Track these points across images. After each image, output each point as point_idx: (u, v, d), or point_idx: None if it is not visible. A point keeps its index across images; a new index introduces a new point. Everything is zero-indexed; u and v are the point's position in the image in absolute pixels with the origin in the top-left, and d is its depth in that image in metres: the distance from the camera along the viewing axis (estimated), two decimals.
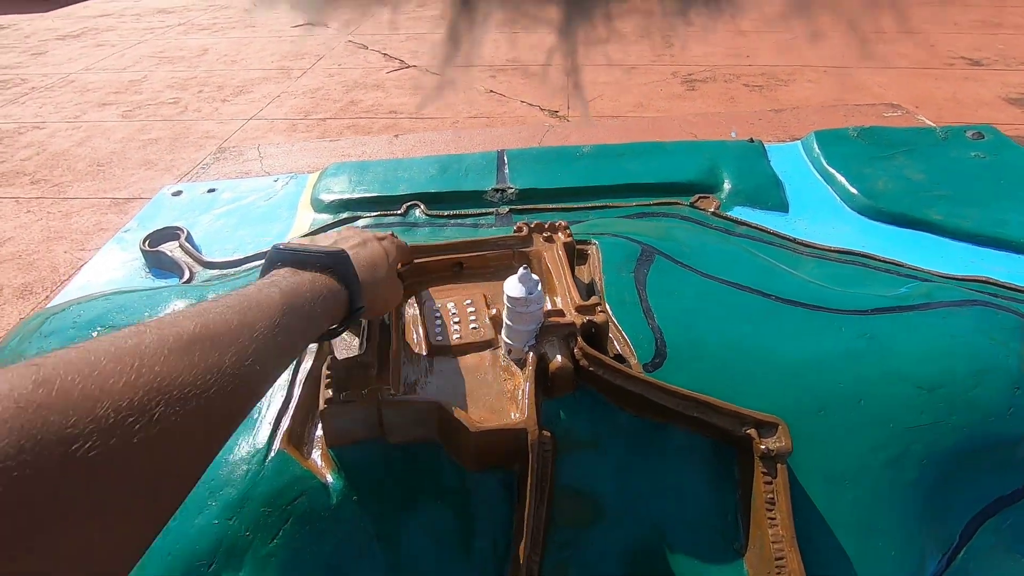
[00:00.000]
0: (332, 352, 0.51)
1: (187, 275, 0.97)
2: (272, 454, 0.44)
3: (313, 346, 0.52)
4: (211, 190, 1.28)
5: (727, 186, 1.15)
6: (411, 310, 0.56)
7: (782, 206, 1.13)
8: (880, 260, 0.94)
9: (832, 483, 0.49)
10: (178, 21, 6.18)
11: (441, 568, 0.42)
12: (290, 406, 0.48)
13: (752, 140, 1.30)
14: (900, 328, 0.58)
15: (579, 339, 0.48)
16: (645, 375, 0.48)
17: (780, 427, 0.45)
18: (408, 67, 4.56)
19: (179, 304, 0.57)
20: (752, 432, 0.45)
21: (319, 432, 0.46)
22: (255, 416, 0.46)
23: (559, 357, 0.46)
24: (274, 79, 4.43)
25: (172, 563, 0.40)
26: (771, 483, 0.43)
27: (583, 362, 0.47)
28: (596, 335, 0.49)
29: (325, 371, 0.45)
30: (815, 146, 1.25)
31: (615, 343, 0.54)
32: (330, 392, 0.44)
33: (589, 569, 0.45)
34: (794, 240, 1.00)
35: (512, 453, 0.43)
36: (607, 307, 0.56)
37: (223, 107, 3.96)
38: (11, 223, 2.78)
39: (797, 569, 0.41)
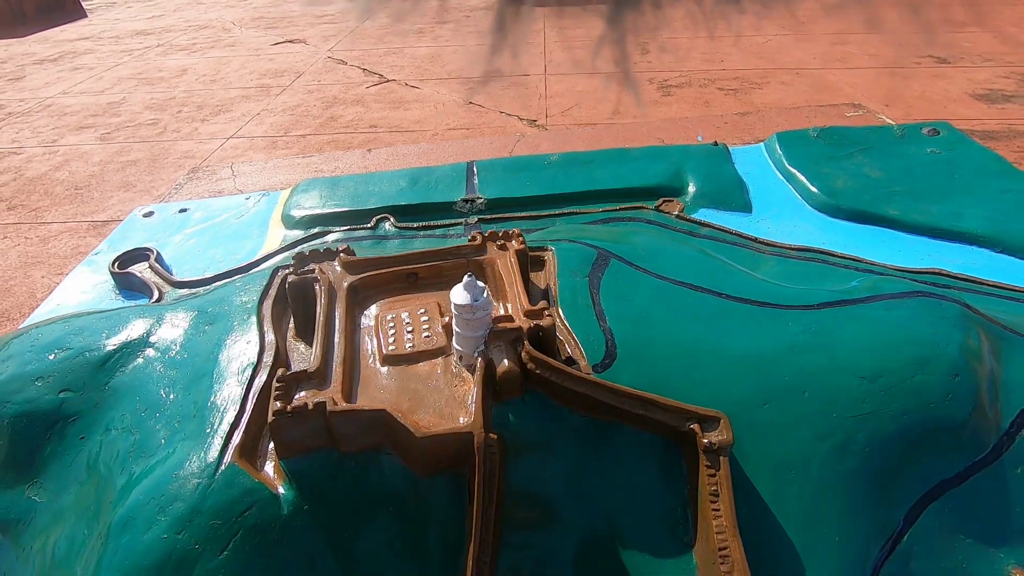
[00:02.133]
0: (288, 363, 0.52)
1: (156, 295, 0.98)
2: (223, 468, 0.45)
3: (267, 359, 0.52)
4: (183, 210, 1.29)
5: (692, 189, 1.17)
6: (366, 321, 0.57)
7: (745, 207, 1.15)
8: (838, 256, 0.96)
9: (778, 473, 0.50)
10: (157, 42, 6.18)
11: (394, 575, 0.43)
12: (242, 420, 0.48)
13: (716, 144, 1.33)
14: (844, 320, 0.60)
15: (526, 343, 0.49)
16: (592, 376, 0.49)
17: (722, 421, 0.46)
18: (388, 81, 4.57)
19: (138, 325, 0.58)
20: (695, 427, 0.46)
21: (272, 444, 0.47)
22: (206, 431, 0.46)
23: (506, 361, 0.47)
24: (254, 97, 4.43)
25: (134, 566, 0.40)
26: (714, 475, 0.45)
27: (530, 365, 0.48)
28: (544, 339, 0.51)
29: (274, 384, 0.46)
30: (777, 147, 1.28)
31: (567, 346, 0.55)
32: (278, 404, 0.45)
33: (544, 569, 0.45)
34: (755, 240, 1.02)
35: (460, 456, 0.44)
36: (559, 311, 0.58)
37: (202, 127, 3.96)
38: None
39: (740, 558, 0.42)
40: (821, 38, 5.02)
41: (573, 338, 0.57)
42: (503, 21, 6.31)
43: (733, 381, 0.54)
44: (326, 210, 1.20)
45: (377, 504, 0.46)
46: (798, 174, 1.21)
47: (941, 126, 1.33)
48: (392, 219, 1.15)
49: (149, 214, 1.29)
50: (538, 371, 0.49)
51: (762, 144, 1.37)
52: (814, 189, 1.17)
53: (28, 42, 6.57)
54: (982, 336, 0.62)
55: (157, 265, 1.07)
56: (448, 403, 0.49)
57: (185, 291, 1.01)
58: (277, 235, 1.18)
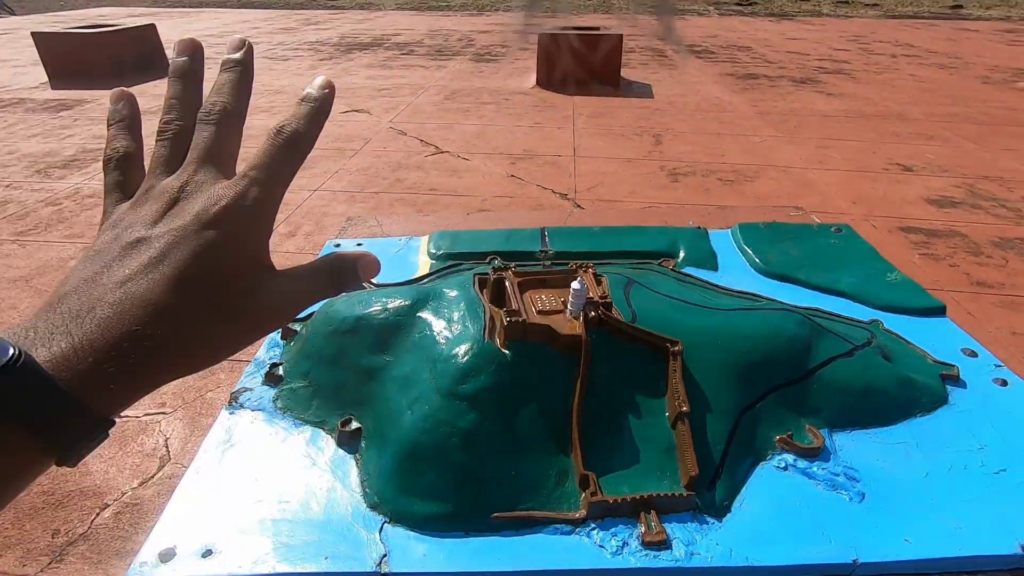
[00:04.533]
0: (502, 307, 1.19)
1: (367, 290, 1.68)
2: (484, 343, 1.12)
3: (487, 308, 1.21)
4: (359, 244, 2.02)
5: (682, 255, 1.89)
6: (527, 301, 1.26)
7: (715, 268, 1.86)
8: (762, 297, 1.67)
9: (703, 374, 1.17)
10: None
11: (550, 393, 1.09)
12: (485, 329, 1.17)
13: (699, 227, 2.06)
14: (744, 317, 1.28)
15: (601, 307, 1.17)
16: (629, 323, 1.17)
17: (680, 343, 1.13)
18: (442, 152, 5.44)
19: (420, 291, 1.27)
20: (669, 345, 1.13)
21: (495, 339, 1.15)
22: (472, 332, 1.14)
23: (592, 313, 1.15)
24: (331, 157, 5.29)
25: (453, 372, 1.07)
26: (675, 366, 1.11)
27: (603, 315, 1.16)
28: (608, 307, 1.19)
29: (504, 313, 1.14)
30: (738, 233, 2.01)
31: (615, 314, 1.23)
32: (508, 319, 1.12)
33: (601, 403, 1.12)
34: (717, 285, 1.73)
35: (577, 346, 1.11)
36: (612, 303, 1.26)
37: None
38: None
39: (684, 398, 1.08)
40: (808, 142, 5.90)
41: (618, 312, 1.26)
42: (539, 106, 7.25)
43: (688, 335, 1.23)
44: (455, 251, 1.92)
45: (542, 362, 1.13)
46: (748, 250, 1.93)
47: (844, 227, 2.06)
48: (499, 259, 1.87)
49: (338, 244, 2.02)
50: (605, 319, 1.18)
51: (729, 230, 2.11)
52: (757, 260, 1.88)
53: None
54: (810, 329, 1.31)
55: None
56: (569, 328, 1.18)
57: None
58: (426, 263, 1.89)
